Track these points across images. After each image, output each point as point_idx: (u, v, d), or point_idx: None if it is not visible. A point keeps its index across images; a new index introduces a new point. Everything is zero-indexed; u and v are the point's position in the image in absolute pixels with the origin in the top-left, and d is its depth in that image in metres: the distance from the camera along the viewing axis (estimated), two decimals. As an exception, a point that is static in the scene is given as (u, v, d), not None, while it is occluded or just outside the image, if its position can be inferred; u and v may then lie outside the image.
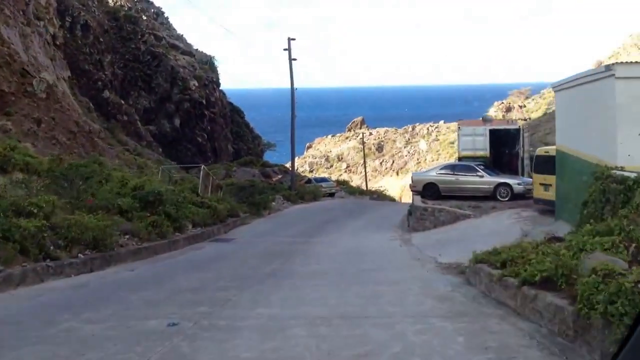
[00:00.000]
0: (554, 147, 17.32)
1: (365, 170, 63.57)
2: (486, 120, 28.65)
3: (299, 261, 13.46)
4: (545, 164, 17.94)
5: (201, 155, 47.88)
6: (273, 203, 31.05)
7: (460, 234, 17.01)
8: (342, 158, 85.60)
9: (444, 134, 75.99)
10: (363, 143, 70.00)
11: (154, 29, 49.76)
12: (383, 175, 76.62)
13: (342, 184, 50.77)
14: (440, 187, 23.15)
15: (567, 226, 12.79)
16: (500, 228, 16.25)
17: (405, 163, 76.47)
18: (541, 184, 18.60)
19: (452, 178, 23.16)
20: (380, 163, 79.23)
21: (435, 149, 73.04)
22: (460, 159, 25.49)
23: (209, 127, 49.94)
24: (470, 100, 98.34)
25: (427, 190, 23.32)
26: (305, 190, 39.32)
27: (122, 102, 44.73)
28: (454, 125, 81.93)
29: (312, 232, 21.36)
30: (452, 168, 24.03)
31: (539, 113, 52.96)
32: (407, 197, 68.96)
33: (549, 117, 48.17)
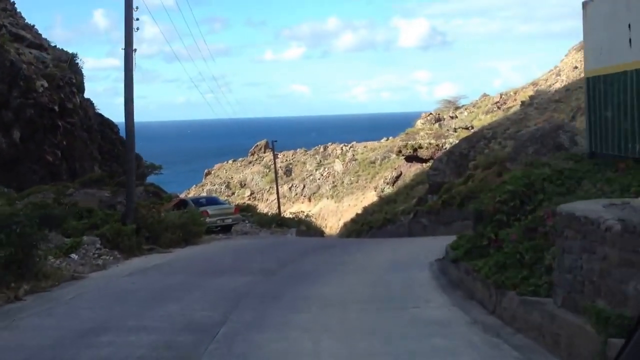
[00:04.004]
0: None
1: (277, 193, 52.42)
2: None
3: None
4: None
5: (53, 179, 35.51)
6: (74, 257, 14.11)
7: None
8: (245, 184, 74.81)
9: (361, 153, 67.27)
10: (274, 158, 58.93)
11: (-14, 12, 37.38)
12: (293, 202, 66.50)
13: (246, 210, 36.43)
14: None
15: None
16: None
17: (319, 187, 66.85)
18: None
19: None
20: (290, 188, 69.16)
21: (354, 170, 63.87)
22: None
23: (64, 143, 37.59)
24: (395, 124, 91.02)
25: None
26: (165, 222, 19.10)
27: None
28: (372, 144, 73.39)
29: None
30: None
31: (484, 121, 43.96)
32: (328, 228, 58.49)
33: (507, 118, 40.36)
